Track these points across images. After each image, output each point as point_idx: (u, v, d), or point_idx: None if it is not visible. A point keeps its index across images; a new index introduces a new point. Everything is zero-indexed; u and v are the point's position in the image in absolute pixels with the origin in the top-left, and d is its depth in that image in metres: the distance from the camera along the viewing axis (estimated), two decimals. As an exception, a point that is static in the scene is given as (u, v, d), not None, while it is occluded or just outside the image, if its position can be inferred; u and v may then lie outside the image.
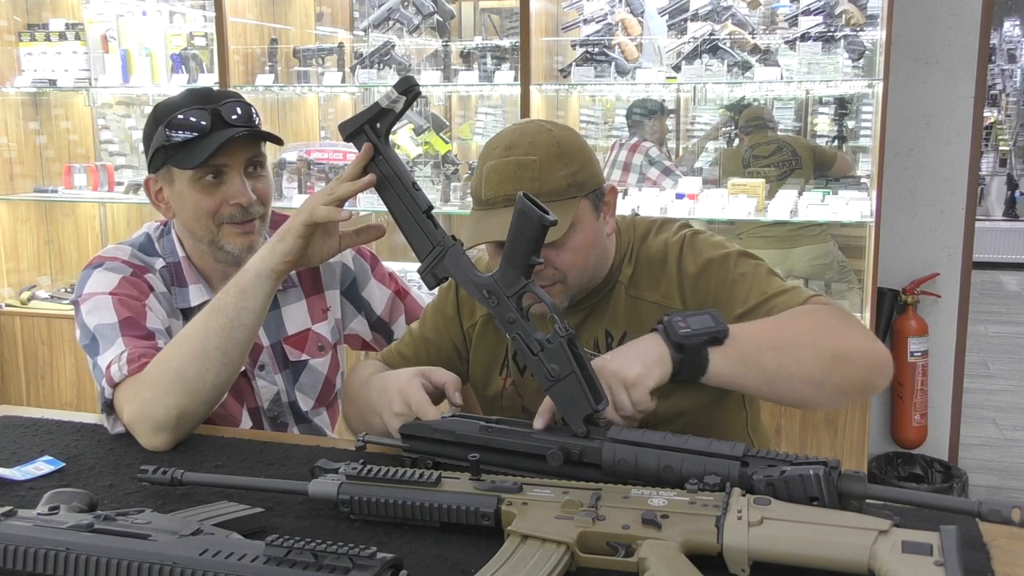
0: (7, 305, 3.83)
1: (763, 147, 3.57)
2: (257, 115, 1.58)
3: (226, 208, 1.55)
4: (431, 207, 1.29)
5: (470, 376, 1.59)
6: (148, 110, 1.62)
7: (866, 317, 3.08)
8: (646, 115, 3.82)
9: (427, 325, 1.59)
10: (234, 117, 1.52)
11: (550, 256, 1.33)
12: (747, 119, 3.72)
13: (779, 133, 3.74)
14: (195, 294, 1.62)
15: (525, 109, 3.22)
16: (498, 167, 1.34)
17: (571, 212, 1.33)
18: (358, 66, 3.50)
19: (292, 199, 3.55)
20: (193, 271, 1.64)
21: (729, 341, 1.22)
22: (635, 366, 1.20)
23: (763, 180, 3.26)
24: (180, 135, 1.51)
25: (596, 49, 3.33)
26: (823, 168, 3.57)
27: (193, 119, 1.51)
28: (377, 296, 1.78)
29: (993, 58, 8.31)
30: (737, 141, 3.84)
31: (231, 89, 3.30)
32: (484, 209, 1.36)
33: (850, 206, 3.10)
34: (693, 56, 3.19)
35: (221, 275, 1.60)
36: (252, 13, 3.61)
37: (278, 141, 1.61)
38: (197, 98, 1.55)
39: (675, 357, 1.20)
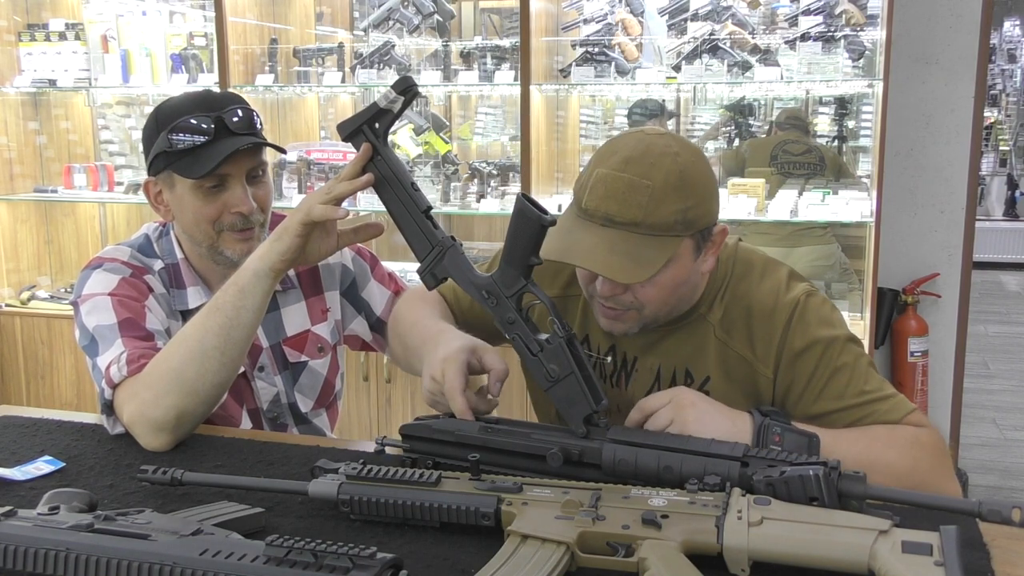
0: (7, 305, 3.83)
1: (795, 144, 3.59)
2: (258, 118, 1.58)
3: (227, 216, 1.55)
4: (430, 207, 1.28)
5: None
6: (148, 110, 1.62)
7: (866, 317, 3.09)
8: (646, 116, 3.82)
9: None
10: (235, 119, 1.52)
11: (633, 285, 1.26)
12: (787, 116, 3.75)
13: (813, 140, 3.76)
14: (193, 296, 1.62)
15: (525, 109, 3.22)
16: (607, 179, 1.23)
17: (669, 252, 1.23)
18: (358, 66, 3.50)
19: (292, 199, 3.55)
20: (192, 273, 1.64)
21: None
22: (709, 427, 1.16)
23: (762, 181, 3.26)
24: (183, 142, 1.50)
25: (596, 49, 3.33)
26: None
27: (196, 124, 1.50)
28: (377, 297, 1.77)
29: (993, 58, 8.31)
30: (738, 141, 3.86)
31: (231, 90, 3.31)
32: (580, 218, 1.26)
33: (850, 206, 3.10)
34: (693, 56, 3.19)
35: (219, 277, 1.59)
36: (252, 13, 3.61)
37: (281, 151, 1.62)
38: (200, 103, 1.54)
39: None
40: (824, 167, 3.57)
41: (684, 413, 1.19)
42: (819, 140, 3.81)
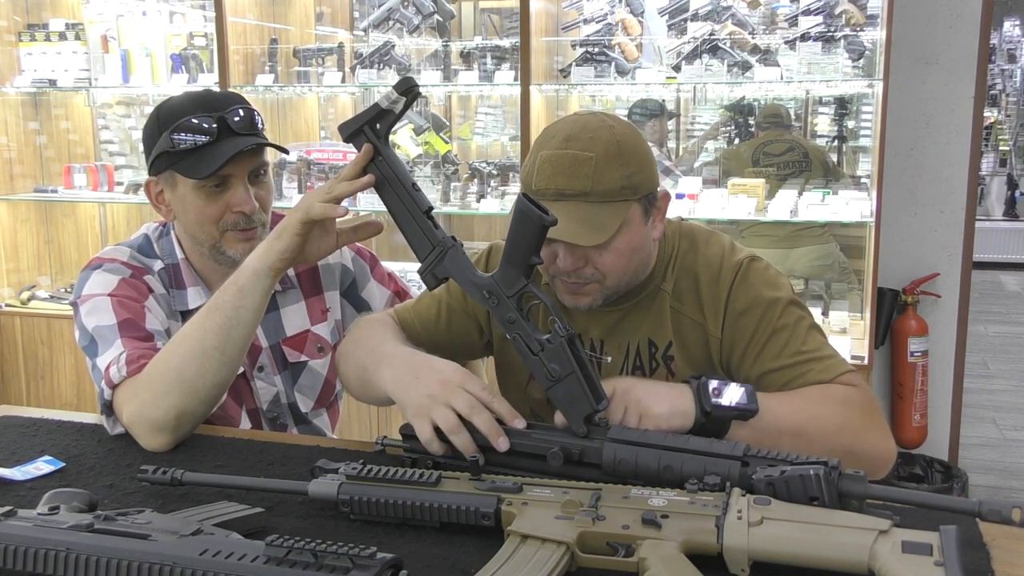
0: (7, 305, 3.83)
1: (775, 144, 3.57)
2: (260, 117, 1.58)
3: (229, 216, 1.55)
4: (431, 208, 1.28)
5: (501, 360, 1.56)
6: (148, 110, 1.62)
7: (866, 317, 3.09)
8: (647, 116, 3.82)
9: (452, 295, 1.54)
10: (237, 119, 1.52)
11: (592, 255, 1.32)
12: (765, 115, 3.73)
13: (795, 135, 3.74)
14: (193, 297, 1.62)
15: (525, 109, 3.22)
16: (553, 158, 1.30)
17: (621, 215, 1.30)
18: (358, 66, 3.50)
19: (292, 199, 3.55)
20: (192, 273, 1.64)
21: (754, 419, 1.21)
22: (662, 405, 1.20)
23: (763, 181, 3.26)
24: (185, 142, 1.50)
25: (596, 49, 3.33)
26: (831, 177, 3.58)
27: (198, 124, 1.50)
28: (377, 297, 1.78)
29: (993, 58, 8.31)
30: (737, 140, 3.85)
31: (231, 90, 3.31)
32: None
33: (850, 206, 3.10)
34: (693, 56, 3.19)
35: (220, 277, 1.58)
36: (252, 13, 3.61)
37: (284, 151, 1.62)
38: (202, 103, 1.53)
39: (698, 420, 1.20)
40: (809, 163, 3.55)
41: (631, 393, 1.22)
42: (818, 140, 3.80)
